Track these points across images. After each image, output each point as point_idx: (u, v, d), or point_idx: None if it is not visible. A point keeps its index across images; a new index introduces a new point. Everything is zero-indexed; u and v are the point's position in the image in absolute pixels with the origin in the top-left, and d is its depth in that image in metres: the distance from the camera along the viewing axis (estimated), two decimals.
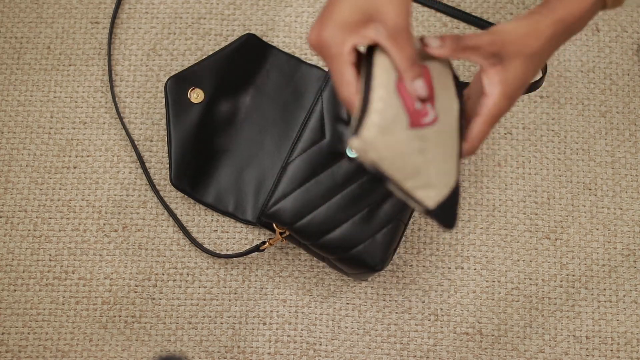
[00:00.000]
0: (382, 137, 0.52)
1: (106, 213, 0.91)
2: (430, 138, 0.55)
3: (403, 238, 0.90)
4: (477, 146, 0.59)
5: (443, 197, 0.57)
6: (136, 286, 0.89)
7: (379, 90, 0.53)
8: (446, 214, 0.58)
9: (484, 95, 0.57)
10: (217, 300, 0.88)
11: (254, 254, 0.90)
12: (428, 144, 0.55)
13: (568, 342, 0.87)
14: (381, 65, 0.53)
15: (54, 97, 0.94)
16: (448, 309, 0.88)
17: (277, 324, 0.88)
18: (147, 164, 0.92)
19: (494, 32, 0.55)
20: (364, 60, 0.55)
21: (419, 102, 0.54)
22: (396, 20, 0.53)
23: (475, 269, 0.89)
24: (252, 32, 0.96)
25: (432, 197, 0.56)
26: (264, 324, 0.88)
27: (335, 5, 0.54)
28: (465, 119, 0.60)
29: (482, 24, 0.95)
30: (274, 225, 0.83)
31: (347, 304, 0.88)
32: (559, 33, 0.56)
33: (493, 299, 0.88)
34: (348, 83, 0.55)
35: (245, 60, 0.91)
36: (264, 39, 0.95)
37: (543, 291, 0.88)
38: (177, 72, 0.94)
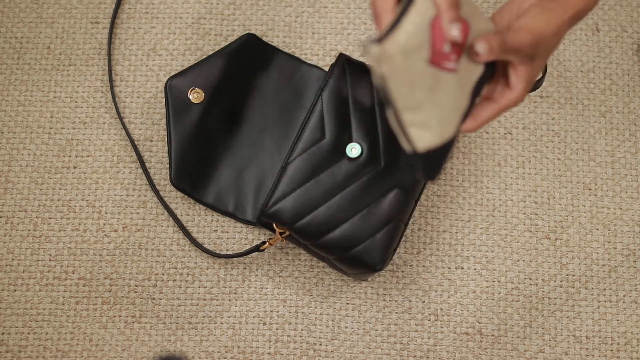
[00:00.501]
0: (401, 57, 0.51)
1: (106, 213, 0.91)
2: (443, 82, 0.55)
3: (403, 238, 0.90)
4: (479, 128, 0.60)
5: (434, 145, 0.57)
6: (136, 286, 0.89)
7: (414, 17, 0.52)
8: (431, 163, 0.58)
9: (508, 88, 0.59)
10: (217, 300, 0.88)
11: (254, 254, 0.90)
12: (440, 86, 0.55)
13: (568, 342, 0.87)
14: (423, 1, 0.53)
15: (54, 97, 0.94)
16: (448, 309, 0.88)
17: (277, 324, 0.88)
18: (147, 164, 0.92)
19: (532, 32, 0.56)
20: None
21: (447, 46, 0.54)
22: None
23: (475, 269, 0.89)
24: (252, 32, 0.96)
25: (423, 139, 0.56)
26: (264, 324, 0.88)
27: None
28: (481, 89, 0.60)
29: None
30: (274, 225, 0.83)
31: (347, 304, 0.88)
32: (570, 27, 0.58)
33: (493, 299, 0.88)
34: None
35: (245, 60, 0.91)
36: (264, 39, 0.95)
37: (543, 291, 0.88)
38: (177, 72, 0.94)
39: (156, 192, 0.90)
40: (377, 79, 0.53)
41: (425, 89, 0.54)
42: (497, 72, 0.61)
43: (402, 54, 0.51)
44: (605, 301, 0.88)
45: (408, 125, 0.55)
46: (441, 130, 0.57)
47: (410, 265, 0.89)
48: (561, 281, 0.89)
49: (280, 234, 0.84)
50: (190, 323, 0.88)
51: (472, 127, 0.60)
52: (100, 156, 0.92)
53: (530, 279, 0.88)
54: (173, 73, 0.95)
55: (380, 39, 0.51)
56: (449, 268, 0.89)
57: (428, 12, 0.53)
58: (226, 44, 0.95)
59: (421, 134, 0.56)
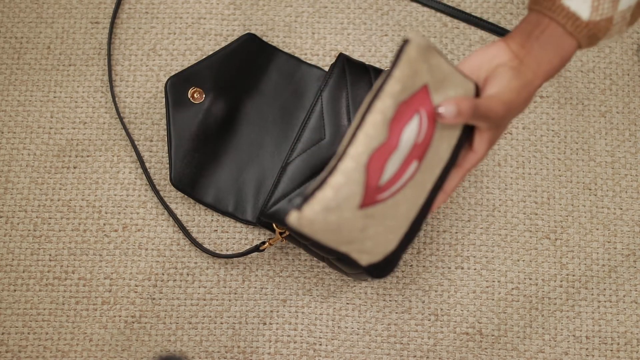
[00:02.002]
0: (325, 214, 0.51)
1: (106, 213, 0.91)
2: (379, 214, 0.54)
3: None
4: (448, 197, 0.62)
5: (376, 261, 0.57)
6: (136, 286, 0.89)
7: (349, 162, 0.51)
8: (379, 269, 0.58)
9: (472, 151, 0.60)
10: (217, 300, 0.88)
11: (254, 254, 0.90)
12: (373, 221, 0.54)
13: (568, 342, 0.87)
14: (368, 130, 0.51)
15: (54, 97, 0.94)
16: (448, 309, 0.88)
17: (277, 324, 0.88)
18: (147, 164, 0.92)
19: (504, 100, 0.56)
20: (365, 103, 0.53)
21: (385, 178, 0.53)
22: None
23: (475, 269, 0.89)
24: (252, 32, 0.96)
25: (364, 259, 0.57)
26: (264, 324, 0.88)
27: None
28: (457, 159, 0.60)
29: (482, 24, 0.95)
30: (274, 225, 0.83)
31: (347, 304, 0.88)
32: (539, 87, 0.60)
33: (493, 299, 0.88)
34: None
35: (245, 60, 0.91)
36: (264, 39, 0.95)
37: (543, 291, 0.88)
38: (177, 72, 0.94)
39: (156, 192, 0.90)
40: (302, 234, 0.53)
41: (356, 230, 0.54)
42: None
43: (326, 211, 0.51)
44: (605, 301, 0.88)
45: (348, 252, 0.55)
46: (381, 250, 0.57)
47: (410, 265, 0.89)
48: (561, 281, 0.89)
49: (280, 234, 0.84)
50: (190, 323, 0.88)
51: (443, 200, 0.62)
52: (100, 156, 0.92)
53: (530, 279, 0.88)
54: (173, 73, 0.95)
55: (301, 205, 0.50)
56: (449, 268, 0.89)
57: (367, 148, 0.51)
58: (226, 44, 0.95)
59: (360, 256, 0.56)
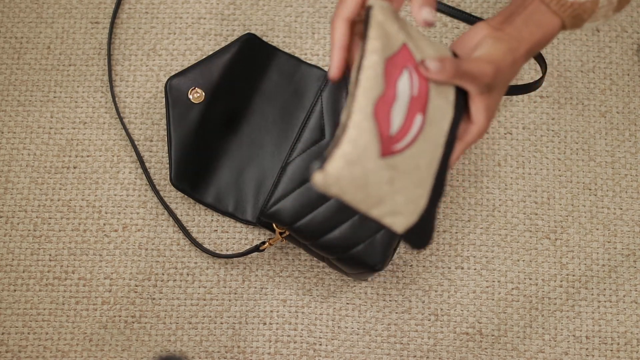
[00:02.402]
0: (350, 169, 0.51)
1: (106, 213, 0.91)
2: (401, 165, 0.54)
3: None
4: (451, 168, 0.61)
5: (412, 223, 0.57)
6: (136, 286, 0.89)
7: (357, 115, 0.52)
8: (418, 235, 0.58)
9: (470, 122, 0.59)
10: (217, 300, 0.88)
11: (254, 254, 0.90)
12: (398, 173, 0.54)
13: (568, 342, 0.87)
14: (365, 84, 0.52)
15: (54, 97, 0.94)
16: (448, 309, 0.88)
17: (277, 324, 0.88)
18: (147, 164, 0.92)
19: (490, 60, 0.56)
20: (356, 64, 0.54)
21: (394, 128, 0.54)
22: None
23: (475, 269, 0.89)
24: (252, 32, 0.96)
25: (400, 223, 0.56)
26: (264, 324, 0.88)
27: None
28: (457, 131, 0.60)
29: None
30: (274, 225, 0.83)
31: (347, 304, 0.88)
32: (525, 60, 0.59)
33: (493, 299, 0.88)
34: (348, 7, 0.56)
35: (245, 61, 0.91)
36: (264, 39, 0.95)
37: (543, 291, 0.88)
38: (177, 72, 0.94)
39: (156, 192, 0.90)
40: (331, 196, 0.53)
41: (384, 184, 0.54)
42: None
43: (349, 165, 0.51)
44: (605, 301, 0.88)
45: (380, 218, 0.55)
46: (413, 209, 0.57)
47: (410, 265, 0.89)
48: (561, 281, 0.89)
49: (280, 234, 0.84)
50: (190, 323, 0.88)
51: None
52: (100, 156, 0.92)
53: (530, 279, 0.88)
54: (173, 73, 0.95)
55: (322, 165, 0.50)
56: (449, 268, 0.89)
57: (369, 100, 0.52)
58: (226, 44, 0.95)
59: (395, 220, 0.56)
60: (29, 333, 0.88)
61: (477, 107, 0.58)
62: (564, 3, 0.57)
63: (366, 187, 0.53)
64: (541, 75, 0.90)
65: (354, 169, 0.51)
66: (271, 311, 0.88)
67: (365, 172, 0.52)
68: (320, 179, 0.51)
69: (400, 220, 0.56)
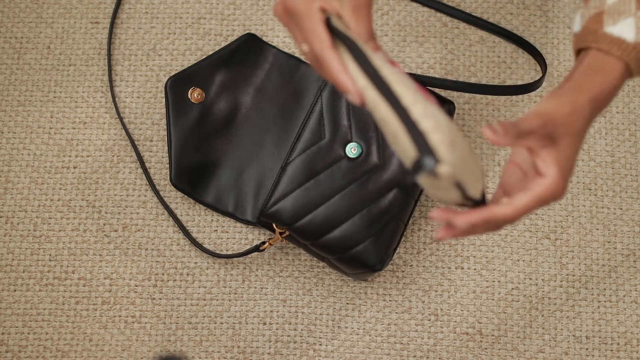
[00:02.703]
0: (453, 150, 0.50)
1: (106, 213, 0.91)
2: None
3: (403, 238, 0.90)
4: (518, 215, 0.55)
5: (483, 184, 0.57)
6: (136, 286, 0.89)
7: (416, 107, 0.51)
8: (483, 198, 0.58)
9: (539, 175, 0.56)
10: (217, 300, 0.88)
11: (254, 254, 0.90)
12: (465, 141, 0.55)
13: (568, 342, 0.87)
14: (393, 79, 0.52)
15: (54, 97, 0.94)
16: (448, 309, 0.88)
17: (277, 324, 0.88)
18: (147, 164, 0.92)
19: (541, 114, 0.54)
20: (373, 80, 0.53)
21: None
22: None
23: (475, 269, 0.89)
24: (252, 32, 0.96)
25: (479, 188, 0.56)
26: (264, 324, 0.88)
27: None
28: None
29: (482, 24, 0.95)
30: (274, 225, 0.83)
31: (347, 304, 0.88)
32: (594, 110, 0.56)
33: (493, 299, 0.88)
34: (320, 37, 0.56)
35: (245, 60, 0.92)
36: (264, 39, 0.95)
37: (543, 291, 0.88)
38: (177, 72, 0.94)
39: (156, 192, 0.90)
40: (452, 184, 0.51)
41: (468, 151, 0.53)
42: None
43: (452, 146, 0.50)
44: (605, 301, 0.88)
45: (468, 190, 0.54)
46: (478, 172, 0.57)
47: (410, 265, 0.89)
48: (561, 281, 0.89)
49: (280, 234, 0.84)
50: (190, 323, 0.88)
51: (509, 212, 0.56)
52: (100, 156, 0.92)
53: (530, 279, 0.88)
54: (173, 73, 0.95)
55: (433, 160, 0.49)
56: (449, 268, 0.89)
57: (411, 89, 0.52)
58: (226, 44, 0.95)
59: (477, 186, 0.55)
60: (29, 333, 0.88)
61: (542, 160, 0.55)
62: (626, 46, 0.55)
63: (467, 160, 0.53)
64: (541, 75, 0.90)
65: (455, 148, 0.51)
66: (271, 311, 0.88)
67: (462, 146, 0.52)
68: (446, 169, 0.50)
69: (479, 185, 0.56)
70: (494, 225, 0.55)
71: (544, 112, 0.54)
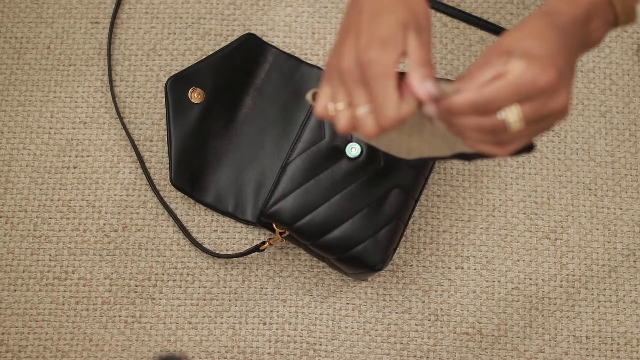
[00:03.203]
0: None
1: (106, 213, 0.91)
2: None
3: (403, 238, 0.90)
4: (479, 97, 0.50)
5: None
6: (136, 286, 0.89)
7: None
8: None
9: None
10: (217, 300, 0.88)
11: (254, 254, 0.90)
12: None
13: (568, 342, 0.87)
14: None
15: (54, 97, 0.94)
16: (448, 309, 0.88)
17: (277, 324, 0.88)
18: (147, 164, 0.92)
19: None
20: None
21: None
22: (426, 18, 0.52)
23: (475, 269, 0.89)
24: (252, 32, 0.96)
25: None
26: (264, 324, 0.88)
27: (377, 19, 0.52)
28: None
29: (482, 24, 0.95)
30: (274, 225, 0.83)
31: (347, 304, 0.88)
32: (553, 27, 0.52)
33: (493, 299, 0.88)
34: (396, 99, 0.51)
35: (245, 60, 0.91)
36: (264, 39, 0.95)
37: (543, 291, 0.88)
38: (177, 72, 0.94)
39: (156, 192, 0.90)
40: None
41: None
42: None
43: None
44: (605, 301, 0.88)
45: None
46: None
47: (410, 265, 0.89)
48: (561, 281, 0.88)
49: (280, 234, 0.84)
50: (190, 323, 0.88)
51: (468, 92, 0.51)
52: (100, 156, 0.92)
53: (530, 279, 0.88)
54: (173, 73, 0.95)
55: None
56: (449, 268, 0.89)
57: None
58: (226, 44, 0.95)
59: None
60: (29, 333, 0.88)
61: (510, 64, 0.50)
62: None
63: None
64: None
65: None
66: (271, 311, 0.88)
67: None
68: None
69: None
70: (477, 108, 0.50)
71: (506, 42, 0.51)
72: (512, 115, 0.51)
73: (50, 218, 0.90)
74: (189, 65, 0.94)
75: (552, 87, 0.50)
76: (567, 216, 0.90)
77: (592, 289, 0.88)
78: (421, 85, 0.51)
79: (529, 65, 0.49)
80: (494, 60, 0.51)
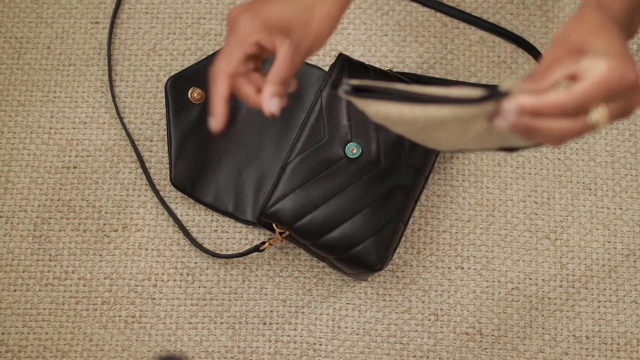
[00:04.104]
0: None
1: (106, 213, 0.91)
2: None
3: (403, 238, 0.90)
4: (575, 104, 0.49)
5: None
6: (136, 286, 0.89)
7: (454, 90, 0.53)
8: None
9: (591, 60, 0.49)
10: (217, 300, 0.88)
11: (254, 254, 0.90)
12: None
13: (568, 342, 0.87)
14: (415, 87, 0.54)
15: (54, 97, 0.94)
16: (448, 309, 0.88)
17: (277, 324, 0.88)
18: (147, 164, 0.92)
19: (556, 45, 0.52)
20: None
21: None
22: (307, 46, 0.59)
23: (475, 269, 0.89)
24: None
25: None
26: (264, 324, 0.88)
27: (270, 3, 0.59)
28: None
29: (482, 24, 0.95)
30: (274, 225, 0.83)
31: (347, 304, 0.88)
32: (612, 21, 0.52)
33: (493, 299, 0.88)
34: (230, 62, 0.58)
35: None
36: None
37: (543, 291, 0.88)
38: (177, 72, 0.94)
39: (156, 192, 0.90)
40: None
41: None
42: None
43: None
44: (605, 301, 0.88)
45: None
46: None
47: (410, 265, 0.89)
48: (561, 281, 0.88)
49: (280, 234, 0.84)
50: (190, 323, 0.88)
51: (563, 98, 0.49)
52: (100, 156, 0.92)
53: (530, 279, 0.88)
54: (173, 73, 0.95)
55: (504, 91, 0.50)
56: (449, 268, 0.89)
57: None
58: None
59: None
60: (29, 333, 0.88)
61: (588, 62, 0.49)
62: None
63: None
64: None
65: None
66: (271, 311, 0.88)
67: None
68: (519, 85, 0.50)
69: None
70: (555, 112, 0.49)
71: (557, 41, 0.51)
72: (600, 117, 0.50)
73: (50, 218, 0.90)
74: (189, 65, 0.94)
75: (638, 82, 0.49)
76: (567, 216, 0.90)
77: (592, 289, 0.88)
78: (269, 102, 0.59)
79: (613, 63, 0.48)
80: (564, 59, 0.50)
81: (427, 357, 0.87)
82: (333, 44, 0.95)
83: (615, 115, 0.50)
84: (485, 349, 0.87)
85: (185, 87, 0.90)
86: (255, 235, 0.90)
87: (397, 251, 0.89)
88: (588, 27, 0.51)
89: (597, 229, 0.90)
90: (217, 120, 0.60)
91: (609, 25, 0.51)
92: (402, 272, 0.89)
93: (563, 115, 0.49)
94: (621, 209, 0.90)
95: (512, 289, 0.88)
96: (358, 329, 0.87)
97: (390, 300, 0.88)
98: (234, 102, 0.91)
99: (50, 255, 0.89)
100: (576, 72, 0.49)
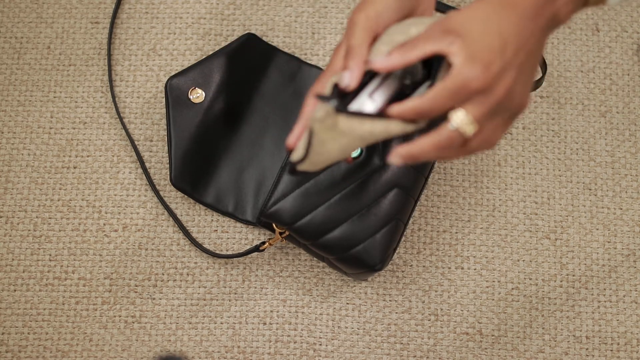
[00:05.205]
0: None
1: (106, 213, 0.91)
2: None
3: (403, 238, 0.90)
4: (430, 107, 0.52)
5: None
6: (136, 286, 0.89)
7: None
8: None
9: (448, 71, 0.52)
10: (217, 300, 0.88)
11: (254, 254, 0.90)
12: None
13: (568, 342, 0.87)
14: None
15: (54, 97, 0.94)
16: (448, 309, 0.88)
17: (277, 324, 0.88)
18: (147, 164, 0.92)
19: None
20: None
21: None
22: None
23: (475, 269, 0.89)
24: (252, 32, 0.96)
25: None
26: (264, 324, 0.88)
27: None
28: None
29: None
30: (274, 225, 0.83)
31: (347, 304, 0.88)
32: (509, 10, 0.52)
33: (493, 299, 0.88)
34: (355, 50, 0.57)
35: (245, 60, 0.92)
36: (264, 39, 0.95)
37: (543, 291, 0.88)
38: (177, 72, 0.94)
39: (156, 192, 0.90)
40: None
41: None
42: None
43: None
44: (605, 301, 0.88)
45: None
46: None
47: (410, 265, 0.89)
48: (561, 281, 0.89)
49: (280, 234, 0.84)
50: (190, 323, 0.88)
51: (418, 102, 0.52)
52: (100, 156, 0.92)
53: (530, 279, 0.88)
54: (173, 73, 0.95)
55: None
56: (449, 268, 0.89)
57: None
58: (226, 44, 0.95)
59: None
60: (29, 333, 0.88)
61: (451, 55, 0.51)
62: None
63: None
64: (541, 75, 0.90)
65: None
66: (271, 311, 0.88)
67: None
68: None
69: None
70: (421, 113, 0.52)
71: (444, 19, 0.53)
72: (460, 120, 0.51)
73: (50, 218, 0.90)
74: (189, 65, 0.94)
75: (484, 86, 0.50)
76: (567, 216, 0.90)
77: (592, 289, 0.88)
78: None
79: (464, 65, 0.50)
80: (438, 36, 0.52)
81: (427, 357, 0.87)
82: (333, 43, 0.95)
83: (479, 116, 0.52)
84: (485, 349, 0.87)
85: (185, 87, 0.90)
86: (255, 235, 0.90)
87: (397, 251, 0.89)
88: (475, 15, 0.52)
89: (597, 229, 0.90)
90: (294, 138, 0.58)
91: (500, 15, 0.51)
92: (402, 272, 0.89)
93: (418, 116, 0.52)
94: (621, 209, 0.90)
95: (512, 289, 0.88)
96: (358, 329, 0.87)
97: (390, 300, 0.88)
98: (234, 102, 0.91)
99: (50, 255, 0.89)
100: (441, 51, 0.51)
